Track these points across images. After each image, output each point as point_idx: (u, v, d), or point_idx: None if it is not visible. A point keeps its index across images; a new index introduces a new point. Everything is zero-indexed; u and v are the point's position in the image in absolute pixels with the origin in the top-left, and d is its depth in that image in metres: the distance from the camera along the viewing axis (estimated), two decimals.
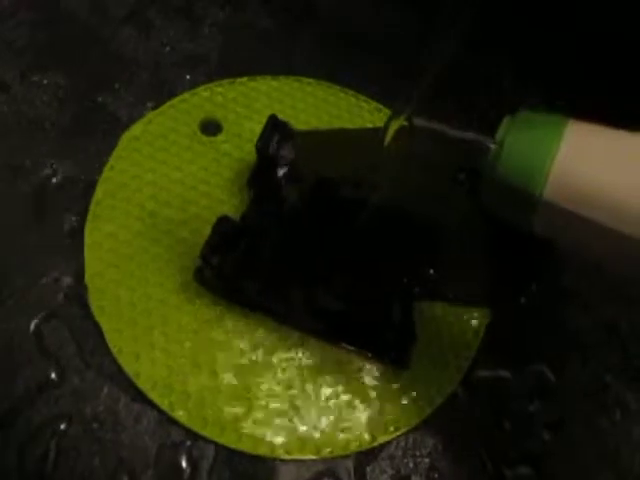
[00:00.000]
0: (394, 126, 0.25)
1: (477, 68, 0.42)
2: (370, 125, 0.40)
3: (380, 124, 0.40)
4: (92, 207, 0.34)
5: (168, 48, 0.40)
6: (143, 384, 0.30)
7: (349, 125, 0.39)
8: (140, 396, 0.30)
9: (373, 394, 0.32)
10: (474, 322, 0.34)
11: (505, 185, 0.23)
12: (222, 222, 0.31)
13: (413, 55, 0.42)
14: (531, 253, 0.28)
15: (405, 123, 0.25)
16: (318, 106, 0.40)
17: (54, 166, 0.35)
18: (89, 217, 0.34)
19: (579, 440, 0.33)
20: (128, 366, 0.30)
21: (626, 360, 0.35)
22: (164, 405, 0.30)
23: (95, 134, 0.37)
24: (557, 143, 0.22)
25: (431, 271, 0.30)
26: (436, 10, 0.44)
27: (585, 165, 0.22)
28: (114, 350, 0.31)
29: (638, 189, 0.21)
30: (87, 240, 0.33)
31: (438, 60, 0.26)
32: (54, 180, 0.35)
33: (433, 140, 0.25)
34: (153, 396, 0.30)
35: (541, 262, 0.30)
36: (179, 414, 0.30)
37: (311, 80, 0.41)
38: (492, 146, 0.23)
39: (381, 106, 0.40)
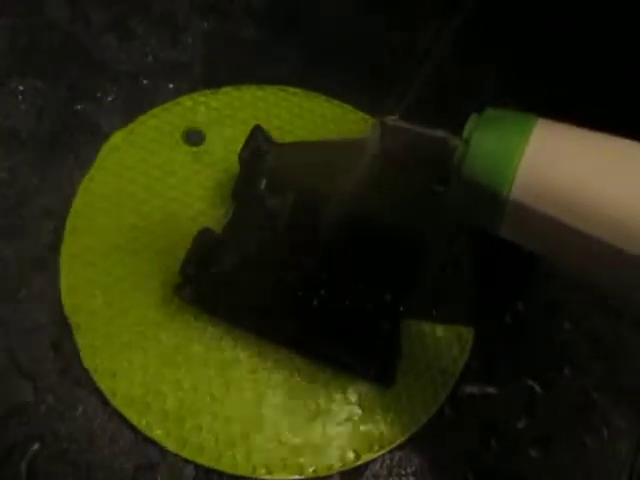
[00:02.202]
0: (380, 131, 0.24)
1: (462, 74, 0.41)
2: (355, 134, 0.39)
3: (365, 133, 0.40)
4: (70, 219, 0.33)
5: (150, 57, 0.40)
6: (119, 403, 0.29)
7: (335, 135, 0.39)
8: (116, 415, 0.29)
9: (358, 411, 0.31)
10: (461, 337, 0.34)
11: (471, 185, 0.22)
12: (203, 235, 0.30)
13: (400, 65, 0.41)
14: (517, 271, 0.28)
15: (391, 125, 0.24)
16: (304, 116, 0.39)
17: (31, 176, 0.35)
18: (67, 229, 0.33)
19: (566, 458, 0.33)
20: (104, 384, 0.29)
21: (613, 376, 0.35)
22: (141, 424, 0.29)
23: (75, 144, 0.36)
24: (525, 141, 0.21)
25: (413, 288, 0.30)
26: (422, 20, 0.43)
27: (555, 165, 0.21)
28: (90, 367, 0.30)
29: (611, 193, 0.20)
30: (64, 253, 0.32)
31: (424, 67, 0.25)
32: (31, 191, 0.34)
33: (404, 139, 0.24)
34: (130, 415, 0.29)
35: (527, 280, 0.29)
36: (157, 433, 0.29)
37: (297, 90, 0.40)
38: (459, 144, 0.23)
39: (367, 116, 0.40)
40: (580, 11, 0.41)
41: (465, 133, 0.23)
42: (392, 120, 0.24)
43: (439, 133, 0.23)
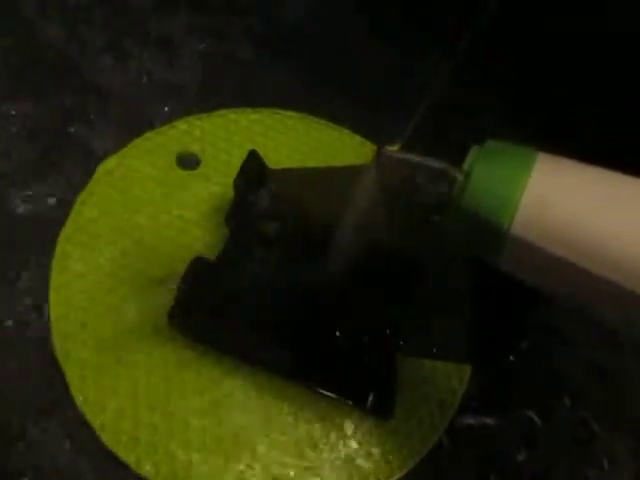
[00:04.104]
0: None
1: (463, 105, 0.41)
2: (352, 158, 0.39)
3: (362, 158, 0.39)
4: (60, 244, 0.33)
5: (145, 79, 0.39)
6: (108, 437, 0.28)
7: (331, 159, 0.38)
8: (105, 450, 0.28)
9: (354, 445, 0.30)
10: (459, 368, 0.33)
11: (472, 218, 0.22)
12: (196, 264, 0.30)
13: (397, 89, 0.41)
14: (521, 311, 0.27)
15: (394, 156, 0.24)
16: (299, 139, 0.39)
17: (21, 200, 0.34)
18: (57, 255, 0.32)
19: None
20: (93, 417, 0.28)
21: (613, 406, 0.34)
22: (130, 460, 0.28)
23: (66, 167, 0.35)
24: (527, 176, 0.21)
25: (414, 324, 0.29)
26: (422, 45, 0.43)
27: (556, 200, 0.21)
28: (78, 399, 0.29)
29: (613, 229, 0.20)
30: (54, 280, 0.32)
31: (426, 96, 0.25)
32: (21, 215, 0.33)
33: (402, 170, 0.23)
34: (119, 450, 0.28)
35: (530, 319, 0.29)
36: (146, 469, 0.28)
37: (292, 113, 0.40)
38: (459, 176, 0.22)
39: (364, 140, 0.40)
40: (580, 39, 0.41)
41: (466, 166, 0.22)
42: (391, 151, 0.23)
43: (438, 164, 0.23)
